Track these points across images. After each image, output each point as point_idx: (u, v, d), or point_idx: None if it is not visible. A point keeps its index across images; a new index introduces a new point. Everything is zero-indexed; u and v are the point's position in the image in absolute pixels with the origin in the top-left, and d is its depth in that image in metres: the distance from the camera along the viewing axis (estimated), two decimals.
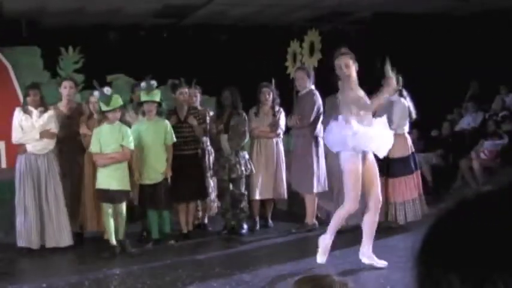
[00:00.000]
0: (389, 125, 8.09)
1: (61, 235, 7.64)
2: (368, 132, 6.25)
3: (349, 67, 6.37)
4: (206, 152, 8.58)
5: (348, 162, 6.25)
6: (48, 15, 9.44)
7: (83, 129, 7.88)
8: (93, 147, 7.51)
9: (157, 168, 7.87)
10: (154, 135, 7.87)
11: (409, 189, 8.27)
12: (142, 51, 9.93)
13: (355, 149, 6.18)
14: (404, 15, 9.99)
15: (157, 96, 7.90)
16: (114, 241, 7.51)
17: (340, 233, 6.83)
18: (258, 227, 8.63)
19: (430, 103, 9.77)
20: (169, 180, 7.97)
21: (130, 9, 9.29)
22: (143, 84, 7.82)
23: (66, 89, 8.05)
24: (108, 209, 7.51)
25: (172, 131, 7.95)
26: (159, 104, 7.94)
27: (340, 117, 6.39)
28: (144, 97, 7.84)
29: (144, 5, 9.12)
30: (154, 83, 7.86)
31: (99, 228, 7.97)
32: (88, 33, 9.70)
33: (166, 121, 7.98)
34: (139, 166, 7.85)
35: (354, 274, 6.18)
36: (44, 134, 7.59)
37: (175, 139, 7.97)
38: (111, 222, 7.52)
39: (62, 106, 8.00)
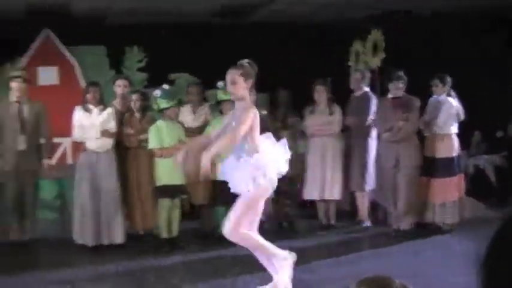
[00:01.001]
0: (435, 125, 8.12)
1: (115, 233, 7.76)
2: None
3: (235, 84, 5.45)
4: None
5: None
6: (114, 15, 9.60)
7: (126, 129, 8.01)
8: (152, 143, 7.64)
9: None
10: None
11: (450, 191, 8.19)
12: (202, 50, 10.00)
13: None
14: (462, 15, 9.82)
15: None
16: (166, 236, 7.69)
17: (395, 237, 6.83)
18: (319, 225, 8.67)
19: (495, 103, 9.59)
20: None
21: (190, 9, 9.37)
22: (220, 83, 7.98)
23: (120, 87, 8.22)
24: (166, 204, 7.69)
25: None
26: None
27: None
28: (221, 96, 8.00)
29: (205, 4, 9.20)
30: None
31: (145, 226, 8.06)
32: (151, 32, 9.83)
33: None
34: (213, 163, 7.97)
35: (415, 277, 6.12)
36: (105, 133, 7.74)
37: None
38: (166, 217, 7.69)
39: (117, 104, 8.14)
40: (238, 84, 5.41)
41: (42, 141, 8.16)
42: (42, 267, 6.95)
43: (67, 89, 9.70)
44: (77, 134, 7.88)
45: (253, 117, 5.37)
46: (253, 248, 5.52)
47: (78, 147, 8.28)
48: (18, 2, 8.65)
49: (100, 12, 9.43)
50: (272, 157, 5.48)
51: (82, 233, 7.74)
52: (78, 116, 7.85)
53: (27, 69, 9.03)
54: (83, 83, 9.59)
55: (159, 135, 7.65)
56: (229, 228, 5.40)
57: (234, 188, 5.50)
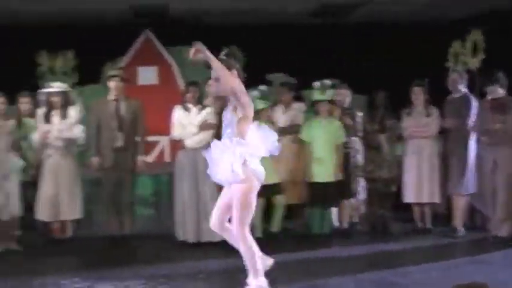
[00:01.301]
0: None
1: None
2: None
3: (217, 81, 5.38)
4: (354, 152, 8.55)
5: None
6: (212, 15, 9.74)
7: None
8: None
9: (329, 166, 8.03)
10: (327, 134, 8.06)
11: None
12: (299, 50, 10.01)
13: None
14: None
15: (330, 95, 8.11)
16: (261, 235, 7.82)
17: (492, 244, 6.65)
18: (414, 229, 8.54)
19: None
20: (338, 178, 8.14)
21: (289, 9, 9.40)
22: (317, 83, 8.03)
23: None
24: (260, 203, 7.74)
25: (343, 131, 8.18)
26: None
27: None
28: (318, 96, 8.04)
29: (303, 4, 9.20)
30: (328, 82, 8.06)
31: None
32: (248, 33, 9.90)
33: (337, 121, 8.16)
34: (309, 164, 8.04)
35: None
36: (203, 125, 7.86)
37: (344, 139, 8.12)
38: (261, 216, 7.89)
39: (209, 103, 8.22)
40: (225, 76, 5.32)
41: (139, 138, 8.35)
42: (140, 262, 7.12)
43: (166, 88, 9.91)
44: (176, 132, 8.05)
45: (247, 100, 5.32)
46: (245, 252, 5.41)
47: (176, 145, 8.46)
48: (121, 4, 8.91)
49: (198, 12, 9.58)
50: (259, 148, 5.34)
51: (183, 230, 7.90)
52: (178, 114, 8.01)
53: (128, 69, 9.31)
54: (181, 83, 9.79)
55: None
56: (236, 229, 5.36)
57: (222, 173, 5.35)
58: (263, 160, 5.09)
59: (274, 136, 5.48)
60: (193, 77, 8.88)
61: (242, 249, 5.38)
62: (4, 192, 7.67)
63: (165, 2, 8.94)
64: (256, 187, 5.33)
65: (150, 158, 9.41)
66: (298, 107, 8.73)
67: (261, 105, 7.78)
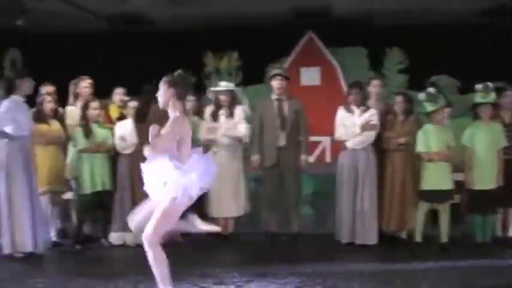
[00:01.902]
0: None
1: (369, 233, 7.80)
2: None
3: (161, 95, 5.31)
4: None
5: None
6: (376, 16, 9.66)
7: (386, 131, 7.98)
8: (419, 146, 7.70)
9: (490, 172, 7.75)
10: (489, 139, 7.79)
11: None
12: (464, 51, 9.69)
13: None
14: None
15: (492, 98, 7.82)
16: (420, 240, 7.70)
17: None
18: None
19: None
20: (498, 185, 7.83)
21: (454, 8, 9.13)
22: (479, 86, 7.77)
23: (375, 87, 8.24)
24: (425, 207, 7.71)
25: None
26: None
27: None
28: (480, 99, 7.79)
29: (470, 4, 8.91)
30: (491, 85, 7.78)
31: (398, 228, 7.98)
32: (412, 33, 9.72)
33: (498, 124, 7.86)
34: (472, 169, 7.80)
35: None
36: (366, 126, 7.81)
37: (506, 143, 7.87)
38: (423, 221, 7.71)
39: (371, 104, 8.14)
40: (161, 91, 5.31)
41: (301, 138, 8.41)
42: (298, 260, 7.19)
43: (328, 89, 9.95)
44: (338, 133, 8.05)
45: (177, 126, 5.19)
46: (152, 260, 5.19)
47: (338, 146, 8.45)
48: (283, 5, 9.06)
49: (361, 13, 9.54)
50: (198, 172, 5.18)
51: (339, 230, 7.92)
52: (341, 116, 8.01)
53: (291, 70, 9.43)
54: (343, 84, 9.79)
55: (426, 138, 7.65)
56: (147, 233, 5.15)
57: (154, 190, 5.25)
58: (436, 166, 4.90)
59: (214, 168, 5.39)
60: (356, 78, 8.83)
61: (150, 256, 5.20)
62: None
63: (327, 2, 8.98)
64: (185, 204, 5.20)
65: (312, 158, 9.47)
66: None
67: (429, 107, 7.64)
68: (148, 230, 5.16)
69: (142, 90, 7.93)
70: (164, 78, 5.36)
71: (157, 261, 5.20)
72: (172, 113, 5.29)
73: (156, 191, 5.21)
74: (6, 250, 7.23)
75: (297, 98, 8.51)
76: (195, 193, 5.18)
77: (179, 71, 5.43)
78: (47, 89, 8.29)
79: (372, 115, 7.88)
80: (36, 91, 7.88)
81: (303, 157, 8.34)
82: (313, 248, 7.87)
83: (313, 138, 9.31)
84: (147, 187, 5.31)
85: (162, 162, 5.16)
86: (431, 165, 7.66)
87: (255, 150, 8.38)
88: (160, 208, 5.15)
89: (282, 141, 8.28)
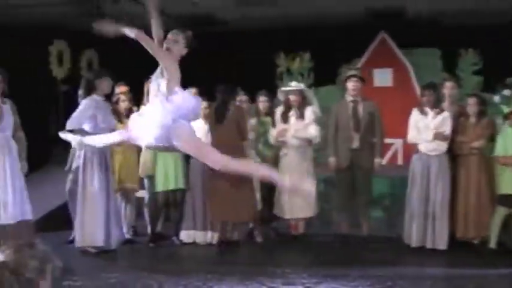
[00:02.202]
0: None
1: (440, 237, 7.67)
2: None
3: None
4: None
5: None
6: (450, 17, 9.52)
7: (459, 135, 7.82)
8: (497, 150, 7.53)
9: None
10: None
11: None
12: None
13: None
14: None
15: None
16: (494, 246, 7.54)
17: None
18: None
19: None
20: None
21: None
22: None
23: (447, 89, 8.08)
24: (503, 213, 7.55)
25: None
26: None
27: None
28: None
29: None
30: None
31: (470, 235, 7.81)
32: (487, 34, 9.54)
33: None
34: None
35: None
36: (438, 135, 7.69)
37: None
38: (499, 227, 7.53)
39: (445, 106, 8.00)
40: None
41: (375, 140, 8.32)
42: (368, 263, 7.14)
43: (400, 91, 9.87)
44: (411, 135, 7.94)
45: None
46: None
47: (410, 148, 8.35)
48: (356, 6, 9.01)
49: (435, 14, 9.41)
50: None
51: (409, 234, 7.82)
52: (414, 118, 7.90)
53: (364, 71, 9.36)
54: (416, 86, 9.67)
55: (504, 142, 7.49)
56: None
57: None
58: None
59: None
60: (428, 80, 8.72)
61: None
62: None
63: (402, 3, 8.89)
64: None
65: (383, 160, 9.39)
66: None
67: (506, 109, 7.47)
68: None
69: (217, 90, 8.03)
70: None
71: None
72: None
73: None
74: (78, 244, 7.47)
75: (372, 100, 8.41)
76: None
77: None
78: (121, 88, 8.48)
79: (445, 118, 7.74)
80: (112, 91, 8.09)
81: (376, 160, 8.25)
82: (383, 251, 7.79)
83: (385, 140, 9.23)
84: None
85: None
86: (509, 169, 7.46)
87: (331, 152, 8.34)
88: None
89: (356, 143, 8.20)
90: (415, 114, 7.90)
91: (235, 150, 7.58)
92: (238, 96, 8.27)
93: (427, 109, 7.82)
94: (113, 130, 7.27)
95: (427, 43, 10.03)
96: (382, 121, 8.29)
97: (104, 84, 7.51)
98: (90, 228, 7.37)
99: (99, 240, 7.38)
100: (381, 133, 8.31)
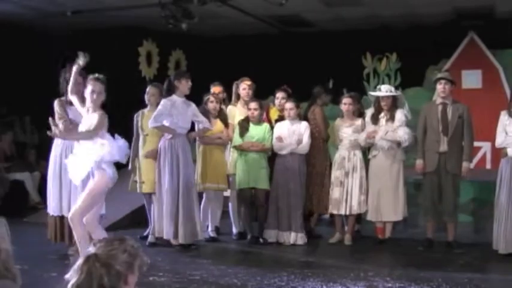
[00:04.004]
0: None
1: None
2: None
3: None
4: None
5: None
6: None
7: None
8: None
9: None
10: None
11: None
12: None
13: None
14: None
15: None
16: None
17: None
18: None
19: None
20: None
21: None
22: None
23: None
24: None
25: None
26: None
27: None
28: None
29: None
30: None
31: None
32: None
33: None
34: None
35: None
36: None
37: None
38: None
39: None
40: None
41: (464, 144, 8.12)
42: (452, 268, 7.01)
43: (490, 93, 9.63)
44: (499, 140, 7.70)
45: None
46: (78, 238, 6.05)
47: (498, 152, 8.11)
48: (444, 6, 8.87)
49: None
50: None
51: (498, 240, 7.58)
52: (502, 121, 7.68)
53: (452, 72, 9.16)
54: (506, 88, 9.43)
55: None
56: (75, 212, 6.03)
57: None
58: None
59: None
60: None
61: (76, 232, 6.04)
62: None
63: (491, 3, 8.68)
64: (111, 184, 6.12)
65: (471, 164, 9.17)
66: None
67: None
68: (75, 211, 6.03)
69: (313, 92, 8.27)
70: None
71: (83, 237, 6.00)
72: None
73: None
74: (151, 239, 8.00)
75: (463, 103, 8.19)
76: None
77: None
78: (214, 89, 8.73)
79: None
80: (207, 91, 8.46)
81: (464, 164, 8.04)
82: (470, 256, 7.62)
83: (474, 144, 9.03)
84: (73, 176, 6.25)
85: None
86: None
87: (419, 154, 8.22)
88: (88, 190, 6.02)
89: (444, 147, 8.03)
90: (503, 117, 7.66)
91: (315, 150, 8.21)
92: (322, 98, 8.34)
93: None
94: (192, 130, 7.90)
95: None
96: (472, 125, 8.08)
97: (182, 84, 7.79)
98: (160, 223, 7.74)
99: (168, 236, 7.70)
100: (470, 137, 8.08)
